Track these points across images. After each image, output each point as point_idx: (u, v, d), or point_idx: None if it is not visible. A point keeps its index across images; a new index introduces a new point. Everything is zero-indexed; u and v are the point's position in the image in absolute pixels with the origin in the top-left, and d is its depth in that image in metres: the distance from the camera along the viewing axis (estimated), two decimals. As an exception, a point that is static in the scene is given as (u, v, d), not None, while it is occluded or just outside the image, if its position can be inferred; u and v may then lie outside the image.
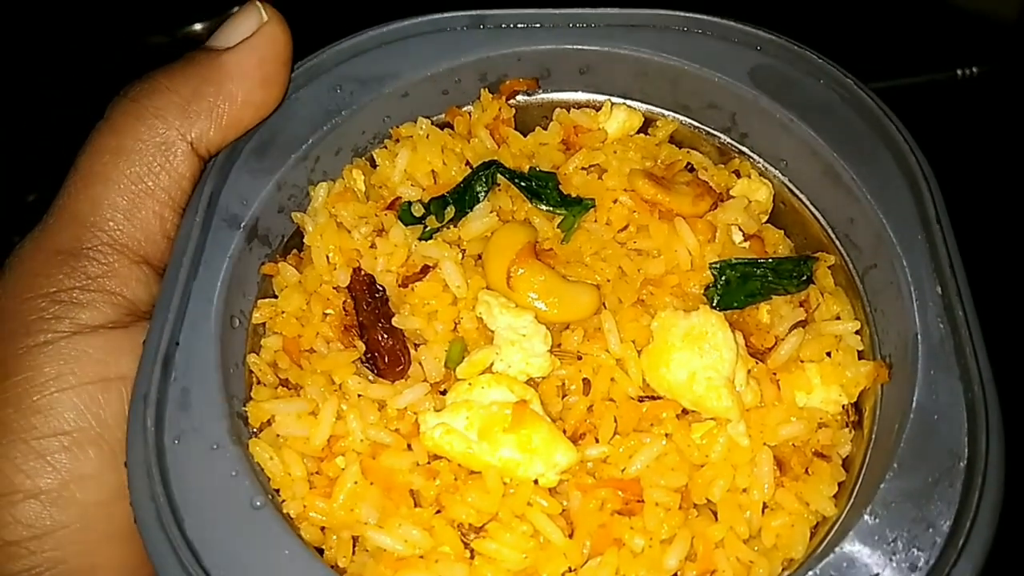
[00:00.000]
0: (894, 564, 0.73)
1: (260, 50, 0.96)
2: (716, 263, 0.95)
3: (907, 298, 0.87)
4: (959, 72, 1.69)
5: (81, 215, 0.91)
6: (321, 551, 0.86)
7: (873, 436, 0.88)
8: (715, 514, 0.87)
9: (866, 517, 0.75)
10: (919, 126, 0.99)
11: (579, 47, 1.09)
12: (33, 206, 1.23)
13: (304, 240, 1.00)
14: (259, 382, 0.93)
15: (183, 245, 0.91)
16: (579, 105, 1.14)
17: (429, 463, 0.86)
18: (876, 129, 0.98)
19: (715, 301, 0.95)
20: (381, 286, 0.96)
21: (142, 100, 0.94)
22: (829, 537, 0.80)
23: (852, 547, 0.75)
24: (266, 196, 0.97)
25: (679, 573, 0.82)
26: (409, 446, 0.88)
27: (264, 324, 0.97)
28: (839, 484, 0.86)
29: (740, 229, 1.03)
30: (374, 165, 1.08)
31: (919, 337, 0.84)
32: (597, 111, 1.12)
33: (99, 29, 1.48)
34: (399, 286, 0.96)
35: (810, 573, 0.75)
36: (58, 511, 0.83)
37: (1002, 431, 0.77)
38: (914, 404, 0.81)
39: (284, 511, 0.84)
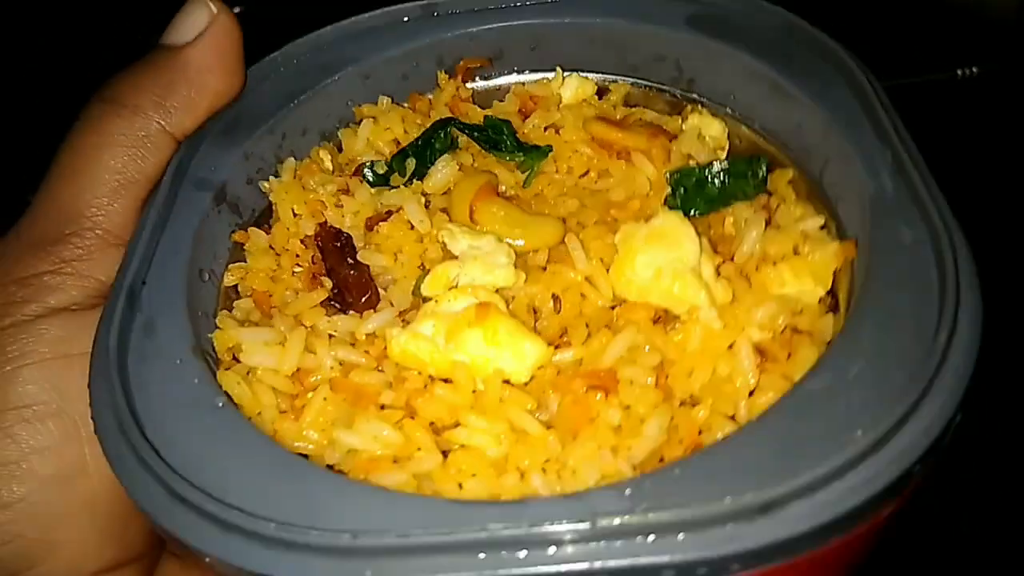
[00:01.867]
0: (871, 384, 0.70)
1: (218, 41, 1.02)
2: (672, 173, 0.97)
3: (861, 172, 0.88)
4: (959, 72, 1.71)
5: (62, 206, 0.94)
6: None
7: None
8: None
9: (839, 344, 0.72)
10: (919, 126, 1.01)
11: (527, 22, 1.15)
12: None
13: (270, 200, 1.03)
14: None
15: (152, 203, 0.94)
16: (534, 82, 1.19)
17: (401, 378, 0.85)
18: (815, 47, 1.02)
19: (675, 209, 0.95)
20: (347, 233, 0.98)
21: (118, 99, 0.99)
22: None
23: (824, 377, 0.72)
24: (233, 163, 1.01)
25: (666, 457, 0.78)
26: (380, 369, 0.86)
27: (236, 288, 0.98)
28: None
29: (694, 160, 1.05)
30: (340, 150, 1.13)
31: (874, 196, 0.84)
32: (551, 82, 1.17)
33: (99, 29, 1.56)
34: (365, 229, 0.97)
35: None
36: (16, 484, 0.82)
37: (971, 262, 0.75)
38: (875, 248, 0.79)
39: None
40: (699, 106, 1.12)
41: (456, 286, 0.90)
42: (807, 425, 0.66)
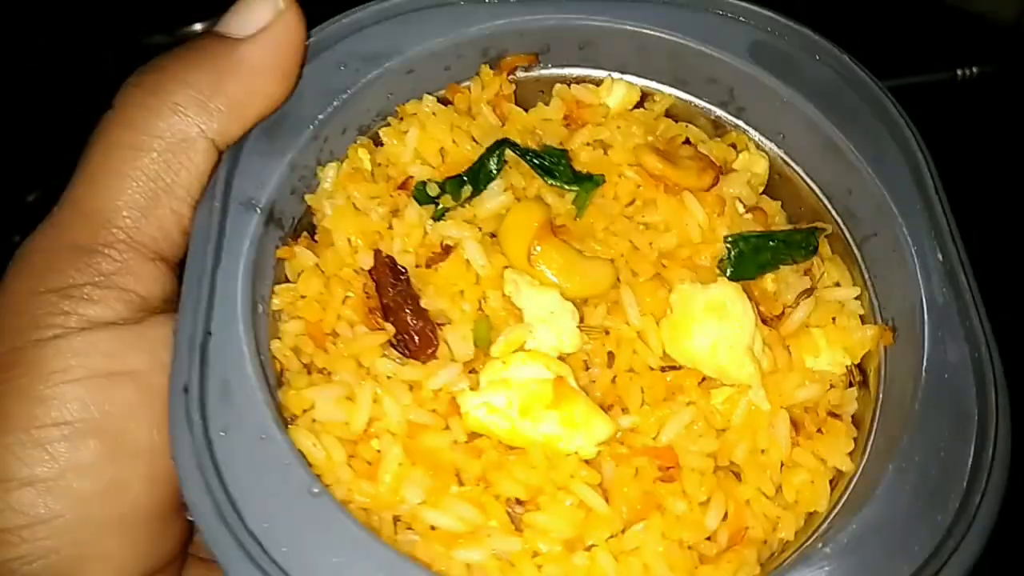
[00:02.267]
0: (919, 520, 0.79)
1: (279, 42, 0.93)
2: (730, 236, 0.99)
3: (911, 265, 0.93)
4: (959, 72, 1.71)
5: (95, 211, 0.88)
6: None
7: (880, 395, 0.94)
8: (737, 475, 0.92)
9: (891, 472, 0.81)
10: (919, 126, 1.03)
11: (581, 21, 1.10)
12: (33, 206, 1.17)
13: (319, 222, 0.99)
14: (282, 370, 0.92)
15: (204, 232, 0.89)
16: (577, 80, 1.15)
17: (469, 439, 0.88)
18: (872, 104, 1.03)
19: (729, 272, 0.99)
20: (403, 267, 0.96)
21: (159, 93, 0.90)
22: (851, 488, 0.86)
23: (879, 506, 0.81)
24: (280, 178, 0.95)
25: (713, 533, 0.87)
26: (447, 426, 0.89)
27: (281, 310, 0.96)
28: (853, 440, 0.93)
29: (741, 202, 1.07)
30: (377, 144, 1.07)
31: (924, 302, 0.90)
32: (597, 86, 1.13)
33: (99, 29, 1.40)
34: (425, 267, 0.96)
35: (842, 537, 0.81)
36: (53, 500, 0.82)
37: (1007, 389, 0.84)
38: (925, 365, 0.87)
39: (329, 496, 0.84)
40: (744, 136, 1.12)
41: (523, 346, 0.92)
42: (862, 561, 0.76)
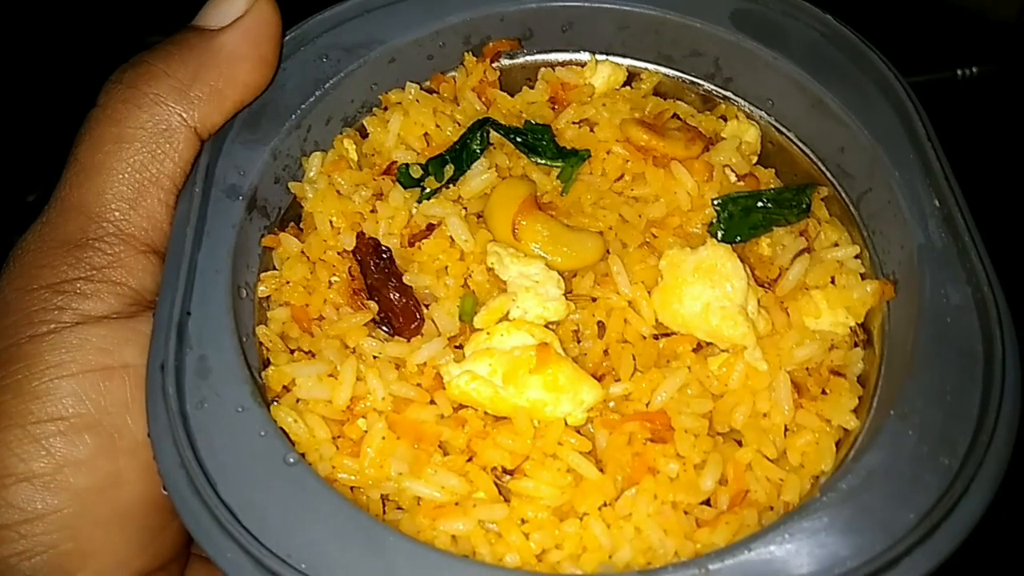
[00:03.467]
0: (923, 464, 0.74)
1: (254, 30, 0.95)
2: (718, 198, 0.97)
3: (907, 214, 0.90)
4: (959, 72, 1.71)
5: (85, 206, 0.89)
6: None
7: (885, 352, 0.90)
8: (738, 442, 0.88)
9: (893, 418, 0.77)
10: None
11: (561, 3, 1.10)
12: (33, 206, 1.20)
13: (303, 209, 0.99)
14: (269, 352, 0.92)
15: (185, 217, 0.90)
16: (562, 64, 1.15)
17: (456, 412, 0.86)
18: (858, 60, 1.01)
19: (719, 235, 0.96)
20: (387, 247, 0.96)
21: (140, 86, 0.92)
22: (857, 443, 0.81)
23: (881, 453, 0.76)
24: (262, 166, 0.96)
25: (713, 497, 0.83)
26: (432, 400, 0.87)
27: (268, 297, 0.96)
28: (858, 398, 0.88)
29: (732, 170, 1.04)
30: (364, 135, 1.08)
31: (922, 248, 0.87)
32: (582, 68, 1.13)
33: (99, 29, 1.44)
34: (408, 245, 0.96)
35: (841, 484, 0.76)
36: (50, 495, 0.82)
37: (1013, 328, 0.79)
38: (925, 310, 0.83)
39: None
40: (734, 107, 1.10)
41: (507, 316, 0.90)
42: (862, 510, 0.71)
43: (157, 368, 0.80)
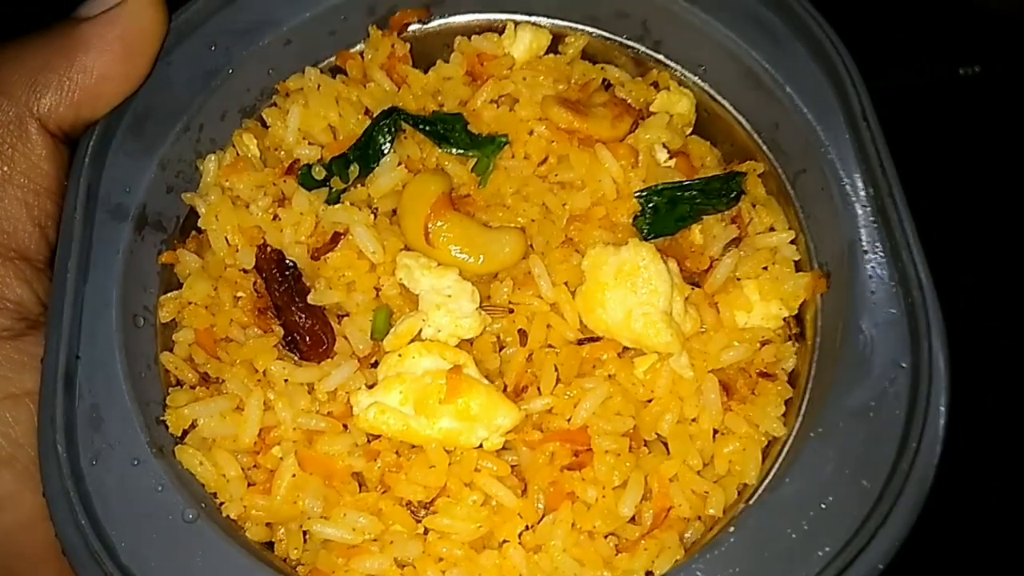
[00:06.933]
0: (842, 489, 0.72)
1: (123, 19, 0.86)
2: (642, 191, 0.91)
3: (839, 203, 0.84)
4: (961, 71, 1.65)
5: None
6: (271, 544, 0.83)
7: (816, 347, 0.87)
8: (667, 446, 0.85)
9: (812, 440, 0.74)
10: (920, 125, 0.94)
11: (471, -36, 1.00)
12: None
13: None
14: (177, 381, 0.88)
15: (67, 246, 0.83)
16: (480, 29, 1.05)
17: (369, 443, 0.83)
18: (793, 25, 0.92)
19: (645, 231, 0.91)
20: (291, 261, 0.90)
21: None
22: (779, 462, 0.79)
23: (798, 480, 0.74)
24: (150, 179, 0.89)
25: (636, 514, 0.81)
26: (345, 426, 0.84)
27: (174, 319, 0.91)
28: (786, 402, 0.85)
29: (664, 146, 0.97)
30: (265, 125, 1.00)
31: (853, 245, 0.82)
32: (500, 34, 1.04)
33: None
34: (311, 259, 0.90)
35: (751, 520, 0.74)
36: None
37: (945, 335, 0.75)
38: (852, 314, 0.78)
39: (224, 513, 0.80)
40: (666, 72, 1.02)
41: (419, 335, 0.85)
42: (776, 539, 0.69)
43: (48, 423, 0.76)
